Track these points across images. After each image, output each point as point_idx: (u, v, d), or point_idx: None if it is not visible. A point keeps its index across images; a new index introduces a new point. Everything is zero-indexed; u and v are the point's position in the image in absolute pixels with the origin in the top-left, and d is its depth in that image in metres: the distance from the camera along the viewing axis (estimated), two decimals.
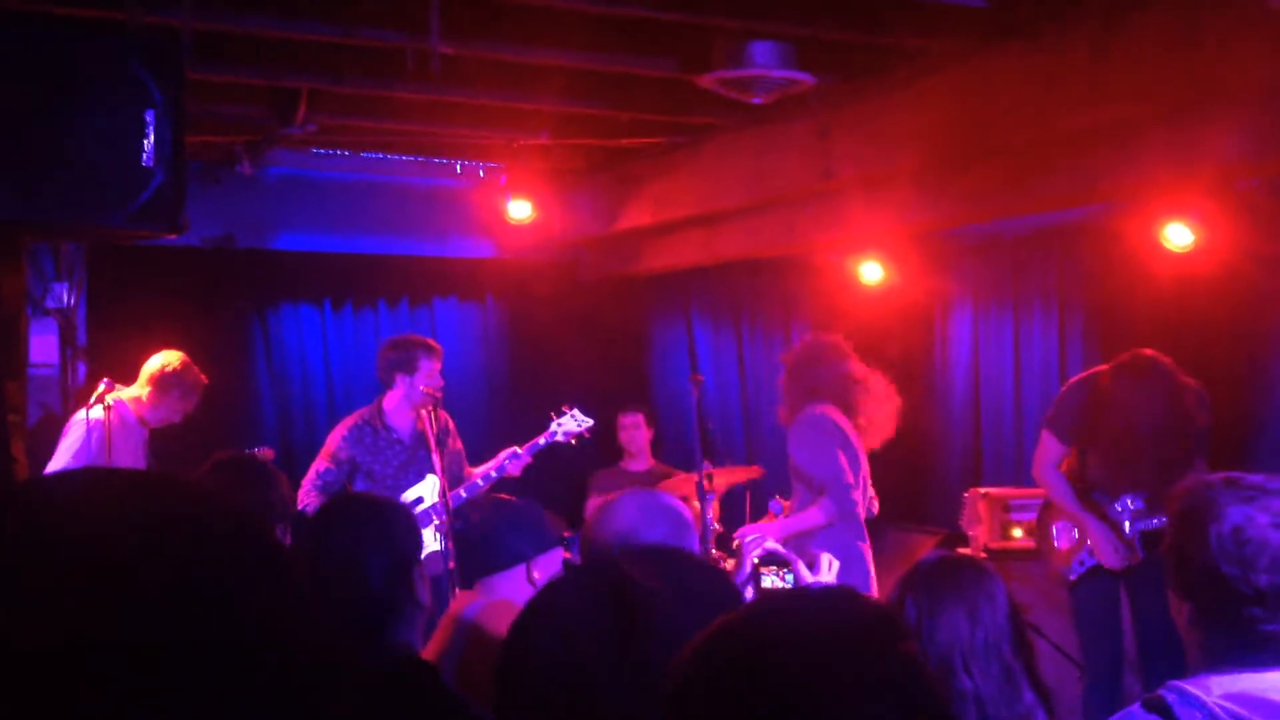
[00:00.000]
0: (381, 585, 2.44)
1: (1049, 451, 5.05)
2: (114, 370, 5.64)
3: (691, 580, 1.51)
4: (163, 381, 5.52)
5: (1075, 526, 5.01)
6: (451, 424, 5.71)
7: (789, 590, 2.47)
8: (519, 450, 5.66)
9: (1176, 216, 5.43)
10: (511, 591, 3.16)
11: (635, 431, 7.14)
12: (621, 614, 1.38)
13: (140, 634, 0.69)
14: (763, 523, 5.25)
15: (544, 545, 3.29)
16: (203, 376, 5.66)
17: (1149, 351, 4.86)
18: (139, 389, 5.53)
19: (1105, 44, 4.28)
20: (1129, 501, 4.84)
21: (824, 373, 5.33)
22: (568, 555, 3.77)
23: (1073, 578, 5.01)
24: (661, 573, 1.47)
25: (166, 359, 5.56)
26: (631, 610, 1.38)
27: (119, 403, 5.40)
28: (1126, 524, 4.85)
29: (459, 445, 5.72)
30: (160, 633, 0.69)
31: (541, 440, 5.75)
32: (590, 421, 5.86)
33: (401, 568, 2.48)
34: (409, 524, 2.61)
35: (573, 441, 5.86)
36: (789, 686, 1.04)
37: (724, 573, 1.83)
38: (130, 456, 5.44)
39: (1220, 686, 1.87)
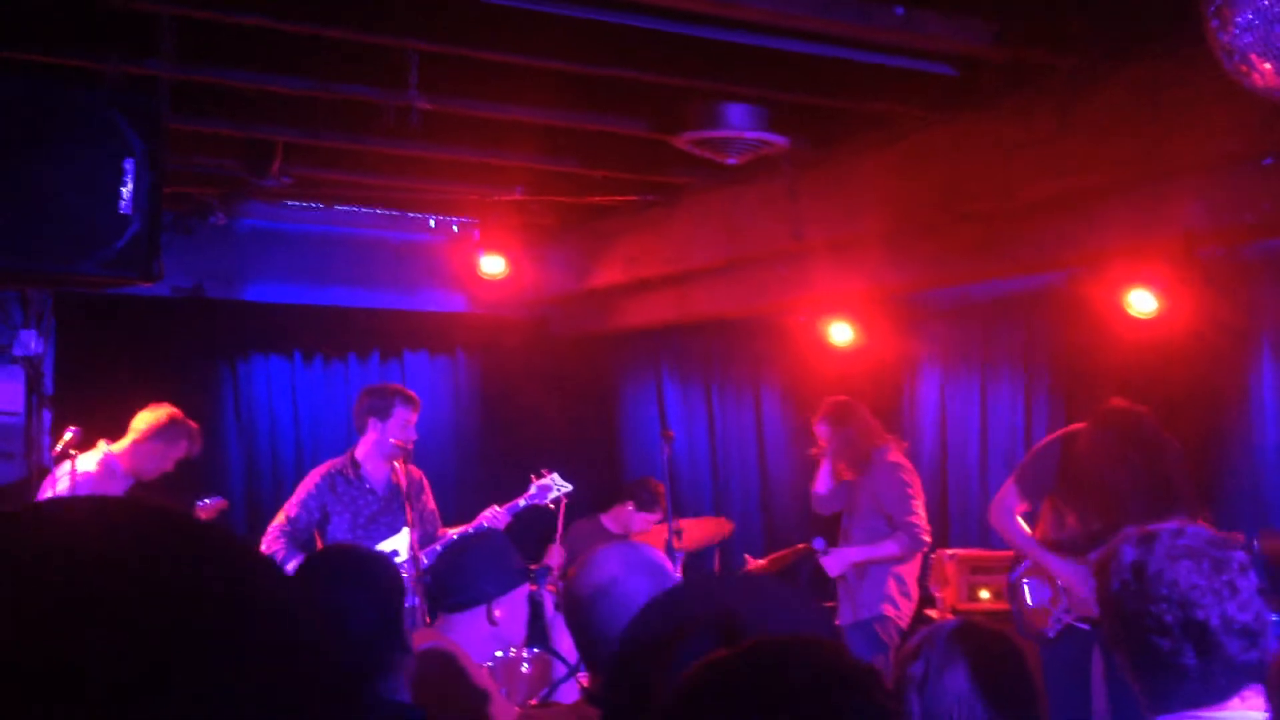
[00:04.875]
0: (368, 635, 2.44)
1: (1008, 499, 5.08)
2: (81, 419, 5.62)
3: (787, 608, 1.54)
4: (149, 435, 5.54)
5: (1045, 582, 5.01)
6: (425, 482, 5.63)
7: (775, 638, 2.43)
8: (498, 510, 5.61)
9: (1140, 284, 5.52)
10: (468, 630, 3.16)
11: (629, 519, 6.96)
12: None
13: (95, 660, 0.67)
14: (844, 548, 5.84)
15: (508, 585, 3.27)
16: (191, 423, 5.64)
17: (1124, 404, 4.88)
18: (127, 441, 5.55)
19: (1069, 114, 4.38)
20: None
21: (866, 424, 5.90)
22: (534, 589, 3.76)
23: (1051, 635, 4.98)
24: (760, 605, 1.49)
25: (154, 414, 5.58)
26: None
27: (108, 455, 5.43)
28: None
29: (433, 505, 5.62)
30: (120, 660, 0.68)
31: (521, 502, 5.69)
32: (569, 487, 5.81)
33: (388, 617, 2.49)
34: (394, 575, 2.61)
35: (550, 505, 5.83)
36: None
37: (810, 597, 1.83)
38: None
39: None
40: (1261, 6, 3.00)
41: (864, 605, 5.72)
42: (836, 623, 5.74)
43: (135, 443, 5.52)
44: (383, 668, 2.47)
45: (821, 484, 6.02)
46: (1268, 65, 3.03)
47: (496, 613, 3.20)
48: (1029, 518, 5.14)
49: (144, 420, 5.54)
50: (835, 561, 5.79)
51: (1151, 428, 4.79)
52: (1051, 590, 5.00)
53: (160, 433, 5.52)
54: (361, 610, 2.45)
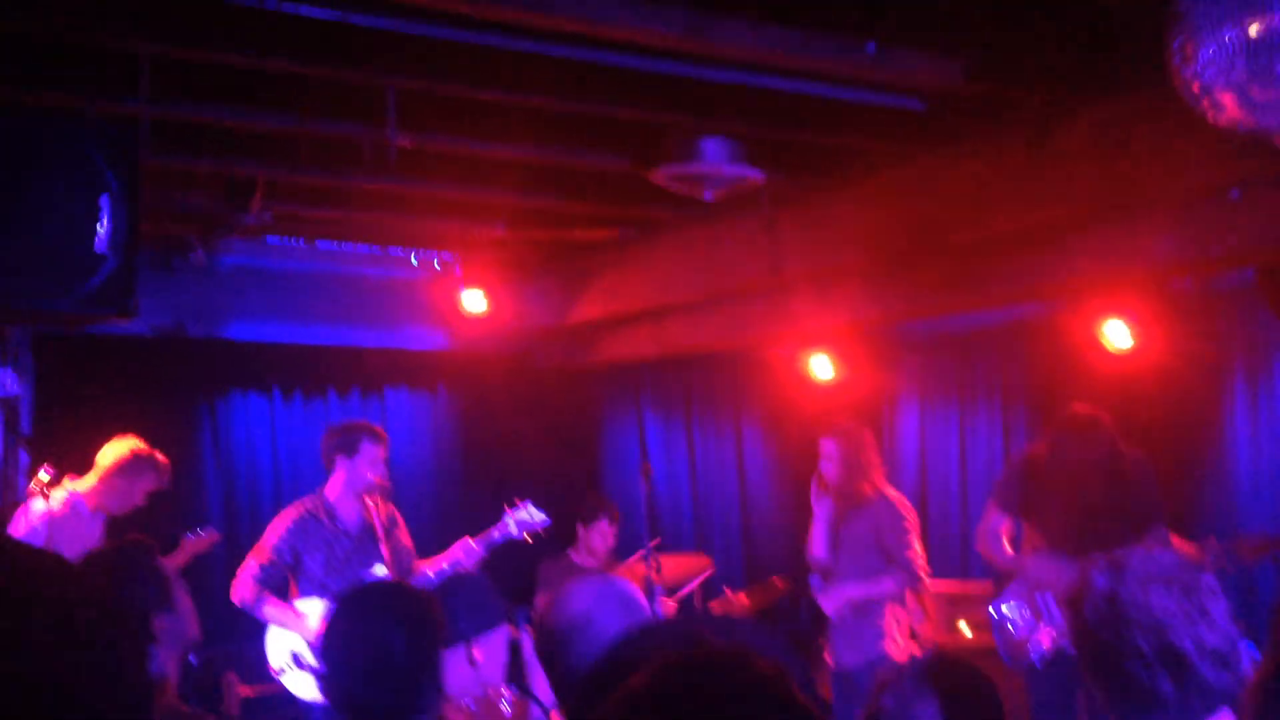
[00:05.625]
0: (407, 672, 2.45)
1: (990, 520, 5.14)
2: (59, 458, 5.60)
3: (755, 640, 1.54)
4: (112, 471, 5.51)
5: (1028, 610, 5.01)
6: (400, 518, 5.55)
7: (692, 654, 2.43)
8: (472, 543, 5.55)
9: (1113, 316, 5.58)
10: (448, 671, 3.14)
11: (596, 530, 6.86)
12: None
13: None
14: (843, 587, 5.52)
15: (486, 626, 3.26)
16: (159, 456, 5.59)
17: (1086, 409, 4.93)
18: (92, 479, 5.50)
19: (1040, 148, 4.44)
20: None
21: (874, 453, 5.66)
22: (513, 630, 3.74)
23: (1038, 664, 4.97)
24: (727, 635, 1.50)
25: (116, 449, 5.53)
26: None
27: (73, 494, 5.38)
28: None
29: (408, 542, 5.53)
30: None
31: (495, 534, 5.60)
32: (542, 516, 5.72)
33: (427, 657, 2.50)
34: (435, 611, 2.61)
35: (527, 539, 5.74)
36: None
37: (779, 634, 1.83)
38: (82, 545, 5.38)
39: None
40: (1224, 42, 3.06)
41: (865, 646, 5.44)
42: (830, 664, 5.58)
43: (100, 479, 5.47)
44: (418, 709, 2.47)
45: (818, 545, 5.64)
46: (1231, 100, 3.08)
47: (476, 654, 3.20)
48: (1013, 538, 5.17)
49: (107, 456, 5.50)
50: (833, 599, 5.51)
51: (1108, 433, 4.83)
52: (1035, 618, 5.01)
53: (124, 469, 5.47)
54: (402, 648, 2.46)
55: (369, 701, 2.43)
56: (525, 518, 5.67)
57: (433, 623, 2.56)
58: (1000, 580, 5.13)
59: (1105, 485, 4.81)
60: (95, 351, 6.41)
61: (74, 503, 5.41)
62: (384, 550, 5.23)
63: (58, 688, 0.80)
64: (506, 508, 5.72)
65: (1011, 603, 5.05)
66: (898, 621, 5.51)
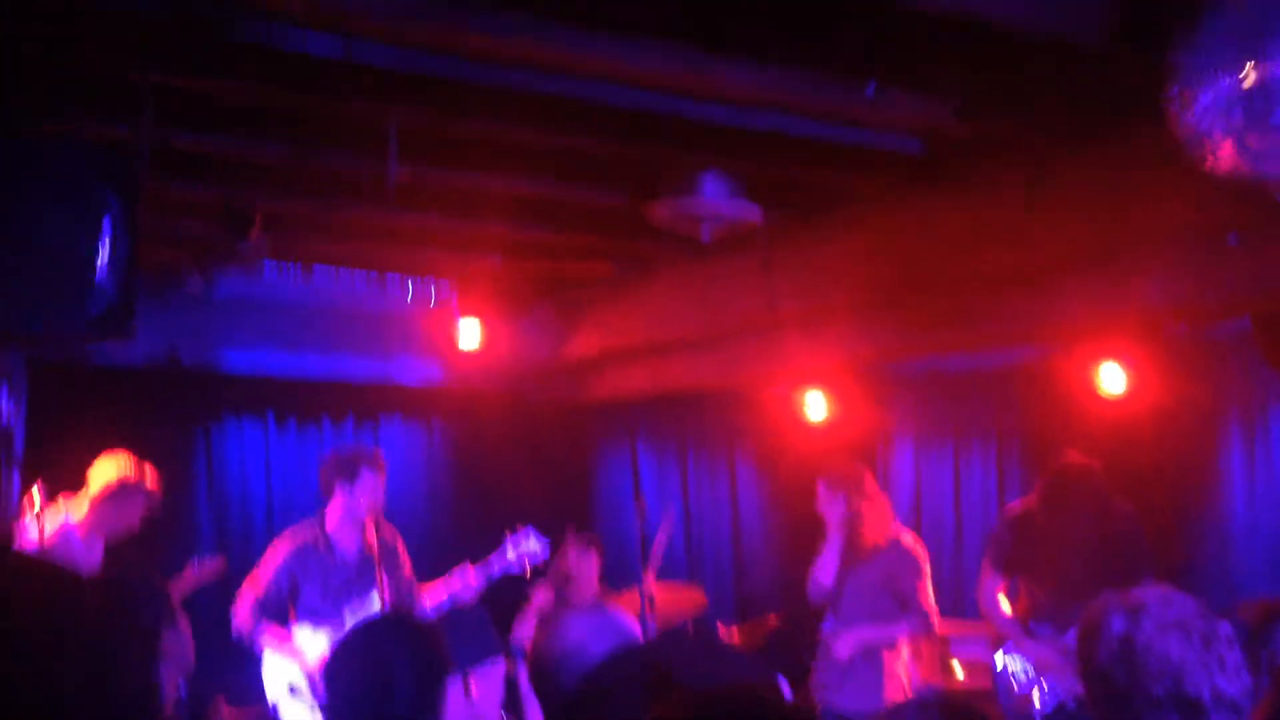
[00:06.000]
0: (409, 706, 2.44)
1: (986, 581, 5.11)
2: (52, 483, 5.59)
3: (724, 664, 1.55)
4: (101, 499, 5.49)
5: (1029, 664, 4.97)
6: (401, 544, 5.49)
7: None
8: (471, 569, 5.42)
9: (1108, 360, 5.59)
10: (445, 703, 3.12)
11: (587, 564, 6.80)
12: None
13: None
14: (857, 629, 5.38)
15: (483, 658, 3.25)
16: (148, 478, 5.56)
17: (1077, 460, 4.91)
18: (83, 506, 5.49)
19: (1035, 192, 4.47)
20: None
21: (880, 495, 5.56)
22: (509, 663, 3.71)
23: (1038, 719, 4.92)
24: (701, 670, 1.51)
25: (104, 475, 5.51)
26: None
27: (66, 523, 5.38)
28: None
29: (409, 573, 5.47)
30: None
31: (495, 566, 5.54)
32: (546, 549, 5.66)
33: (431, 691, 2.49)
34: (441, 648, 2.60)
35: (527, 573, 5.65)
36: None
37: (749, 656, 1.83)
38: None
39: None
40: (1222, 89, 3.09)
41: (868, 691, 5.29)
42: (819, 703, 5.50)
43: (90, 507, 5.46)
44: None
45: (825, 572, 5.52)
46: (1228, 148, 3.10)
47: (472, 686, 3.19)
48: (1010, 594, 5.14)
49: (96, 482, 5.48)
50: (846, 644, 5.34)
51: (1100, 483, 4.82)
52: (1036, 672, 4.97)
53: (112, 495, 5.45)
54: (406, 682, 2.46)
55: None
56: (526, 547, 5.63)
57: (439, 660, 2.56)
58: (1001, 636, 5.09)
59: (1096, 537, 4.79)
60: (90, 378, 6.39)
61: (65, 532, 5.40)
62: (383, 580, 5.18)
63: (54, 689, 0.80)
64: (508, 533, 5.66)
65: (1013, 655, 5.02)
66: (901, 666, 5.41)
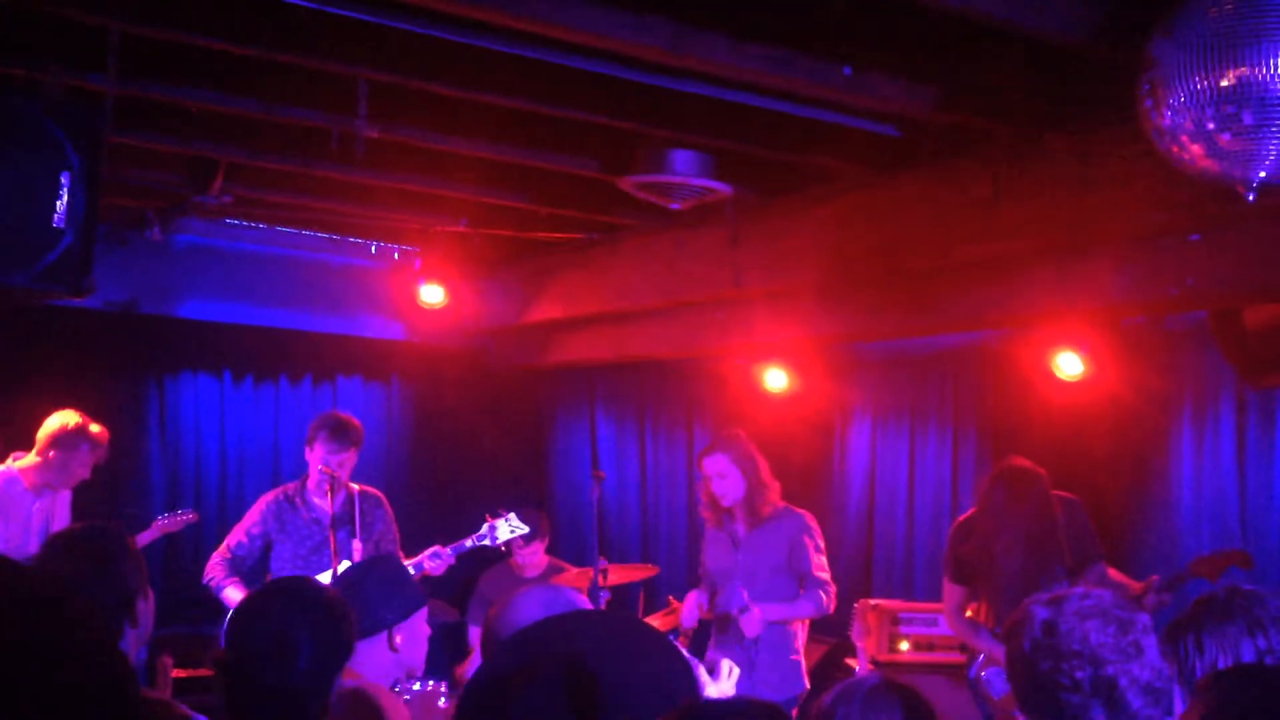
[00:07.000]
0: (309, 670, 2.41)
1: (949, 596, 5.12)
2: (5, 429, 5.59)
3: (644, 657, 1.55)
4: (46, 445, 5.51)
5: (1004, 671, 5.00)
6: (388, 511, 5.47)
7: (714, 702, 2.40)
8: (441, 550, 5.40)
9: (1066, 346, 5.65)
10: (370, 658, 3.13)
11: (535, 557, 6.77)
12: (577, 700, 1.41)
13: None
14: (763, 606, 5.02)
15: (407, 610, 3.27)
16: (94, 429, 5.56)
17: (1020, 462, 4.93)
18: (33, 455, 5.51)
19: (1004, 180, 4.49)
20: None
21: (765, 464, 5.24)
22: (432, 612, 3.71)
23: None
24: (615, 650, 1.50)
25: (50, 425, 5.52)
26: (588, 696, 1.41)
27: (9, 471, 5.41)
28: None
29: (394, 534, 5.45)
30: None
31: (468, 543, 5.53)
32: (525, 529, 5.70)
33: (332, 653, 2.47)
34: (346, 618, 2.57)
35: (502, 548, 5.75)
36: None
37: (677, 650, 1.81)
38: (20, 523, 5.40)
39: None
40: (1194, 90, 3.10)
41: (783, 681, 5.09)
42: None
43: (38, 455, 5.49)
44: (320, 700, 2.45)
45: (690, 616, 5.20)
46: (1198, 147, 3.12)
47: (397, 639, 3.21)
48: (974, 600, 5.17)
49: (44, 431, 5.50)
50: (755, 621, 4.95)
51: (1039, 482, 4.84)
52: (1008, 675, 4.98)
53: (57, 442, 5.49)
54: (305, 643, 2.43)
55: (266, 698, 2.39)
56: (509, 530, 5.66)
57: (342, 632, 2.52)
58: (973, 647, 5.12)
59: (1035, 533, 4.82)
60: (47, 323, 6.30)
61: (8, 479, 5.42)
62: (357, 544, 5.20)
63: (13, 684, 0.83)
64: (489, 518, 5.67)
65: (990, 666, 5.06)
66: (800, 650, 5.22)
